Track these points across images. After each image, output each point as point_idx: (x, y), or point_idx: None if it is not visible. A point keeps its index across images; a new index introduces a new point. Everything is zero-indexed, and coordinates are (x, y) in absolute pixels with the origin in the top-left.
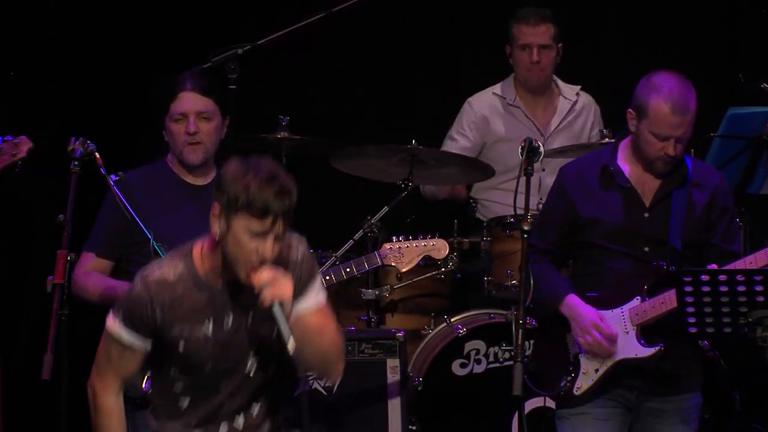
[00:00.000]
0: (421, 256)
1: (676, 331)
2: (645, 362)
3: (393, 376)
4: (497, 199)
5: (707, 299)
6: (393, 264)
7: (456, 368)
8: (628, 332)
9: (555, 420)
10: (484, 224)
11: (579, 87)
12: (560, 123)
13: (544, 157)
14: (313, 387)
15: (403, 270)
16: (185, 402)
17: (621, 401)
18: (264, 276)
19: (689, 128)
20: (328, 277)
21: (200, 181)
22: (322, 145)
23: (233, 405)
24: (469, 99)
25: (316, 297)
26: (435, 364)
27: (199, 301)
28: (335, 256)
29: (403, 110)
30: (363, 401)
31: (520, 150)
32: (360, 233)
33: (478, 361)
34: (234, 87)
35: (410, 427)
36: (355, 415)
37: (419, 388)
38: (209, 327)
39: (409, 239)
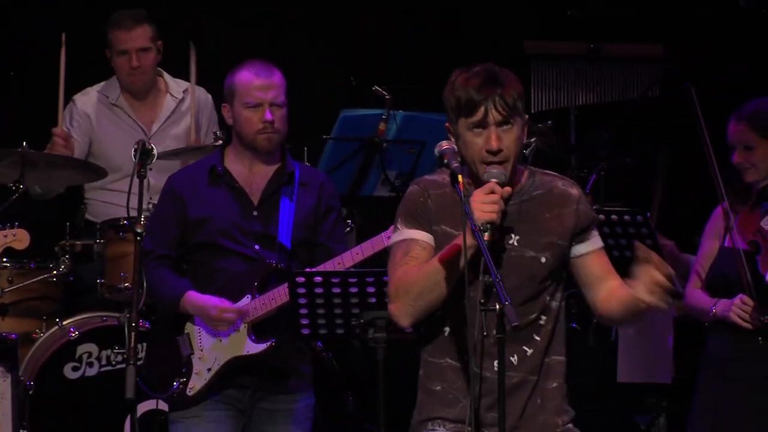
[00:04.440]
0: (3, 248)
1: (286, 326)
2: (257, 359)
3: (4, 381)
4: (106, 199)
5: (320, 300)
6: None
7: (68, 372)
8: (239, 330)
9: (168, 424)
10: (97, 226)
11: (188, 84)
12: (164, 121)
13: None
14: None
15: None
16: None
17: (233, 403)
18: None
19: (280, 93)
20: None
21: None
22: None
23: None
24: (74, 96)
25: (595, 243)
26: (46, 368)
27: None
28: None
29: (14, 111)
30: None
31: (133, 152)
32: None
33: (91, 365)
34: None
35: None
36: None
37: (30, 392)
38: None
39: None
